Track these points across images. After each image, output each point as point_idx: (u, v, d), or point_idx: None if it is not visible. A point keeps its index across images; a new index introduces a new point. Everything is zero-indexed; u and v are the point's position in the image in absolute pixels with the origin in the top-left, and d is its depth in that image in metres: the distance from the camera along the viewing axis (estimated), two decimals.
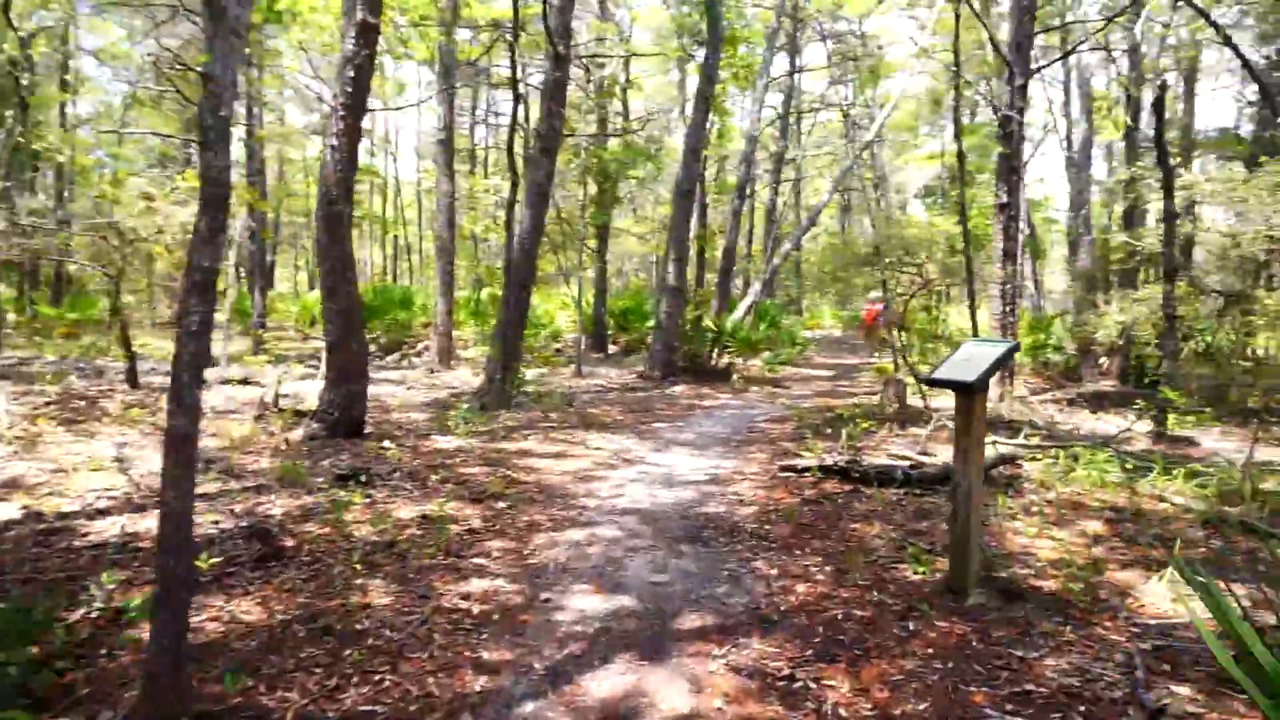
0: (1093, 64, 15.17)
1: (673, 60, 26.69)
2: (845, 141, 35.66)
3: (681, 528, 5.40)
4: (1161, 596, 4.09)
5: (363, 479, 6.28)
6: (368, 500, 5.73)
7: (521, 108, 18.23)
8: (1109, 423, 9.86)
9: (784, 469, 6.87)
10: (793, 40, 23.17)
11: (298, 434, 8.01)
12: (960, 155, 9.42)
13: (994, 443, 7.63)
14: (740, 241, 22.41)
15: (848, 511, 5.74)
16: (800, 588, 4.28)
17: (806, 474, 6.68)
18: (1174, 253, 8.04)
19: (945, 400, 10.78)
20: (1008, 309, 11.17)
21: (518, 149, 12.71)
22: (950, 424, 8.45)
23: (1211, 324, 11.36)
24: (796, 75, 23.39)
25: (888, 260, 9.94)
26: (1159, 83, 7.63)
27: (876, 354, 19.07)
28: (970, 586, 3.99)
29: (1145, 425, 9.46)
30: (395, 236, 45.21)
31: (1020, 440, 7.73)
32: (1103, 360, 14.15)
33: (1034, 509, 5.76)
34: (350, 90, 7.43)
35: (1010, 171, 11.13)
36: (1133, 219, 17.50)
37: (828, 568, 4.57)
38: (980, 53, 24.60)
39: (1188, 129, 20.99)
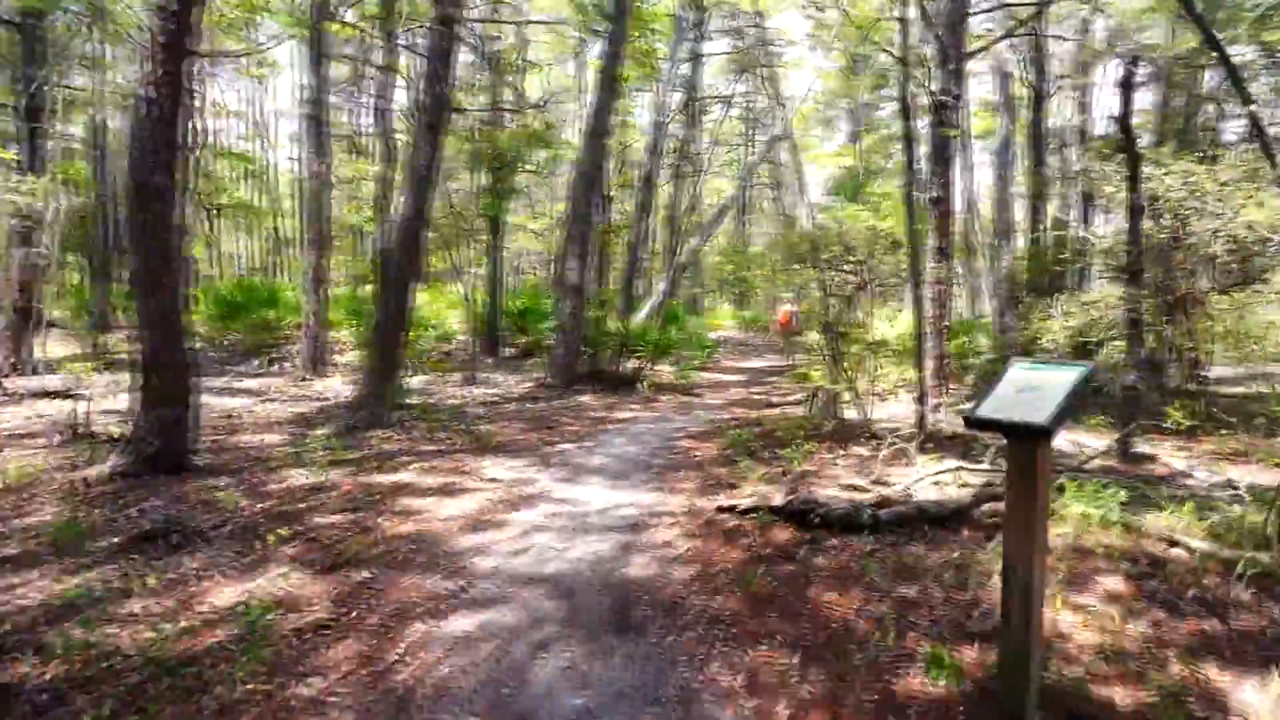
0: (1010, 59, 14.64)
1: (570, 53, 25.32)
2: (745, 140, 35.10)
3: (605, 605, 4.06)
4: (1271, 713, 3.02)
5: (174, 539, 4.68)
6: (174, 576, 4.15)
7: (411, 86, 16.51)
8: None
9: (722, 510, 5.61)
10: (698, 29, 22.12)
11: (106, 468, 6.26)
12: (908, 139, 8.43)
13: (959, 469, 6.62)
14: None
15: (813, 572, 4.52)
16: (783, 711, 3.02)
17: (750, 516, 5.45)
18: (1141, 250, 7.22)
19: (886, 410, 9.84)
20: (941, 312, 10.29)
21: (400, 124, 11.08)
22: (905, 445, 7.40)
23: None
24: (700, 64, 22.35)
25: (826, 257, 8.85)
26: (1128, 60, 6.79)
27: (790, 357, 18.21)
28: (1030, 713, 2.82)
29: (1096, 440, 8.70)
30: (274, 229, 42.13)
31: (987, 465, 6.73)
32: None
33: None
34: (171, 26, 5.76)
35: (945, 163, 10.26)
36: (1042, 218, 17.24)
37: (812, 671, 3.33)
38: (889, 48, 24.21)
39: (1084, 131, 21.04)
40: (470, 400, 11.44)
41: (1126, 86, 6.93)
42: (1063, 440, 8.74)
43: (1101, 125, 21.29)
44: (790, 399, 12.17)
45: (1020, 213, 20.90)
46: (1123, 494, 5.66)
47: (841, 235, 8.66)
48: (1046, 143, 17.39)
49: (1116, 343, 11.49)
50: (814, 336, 11.91)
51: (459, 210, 17.69)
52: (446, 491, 6.22)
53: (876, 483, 6.48)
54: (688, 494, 6.30)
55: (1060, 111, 21.70)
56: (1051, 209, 17.07)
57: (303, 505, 5.60)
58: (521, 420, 9.78)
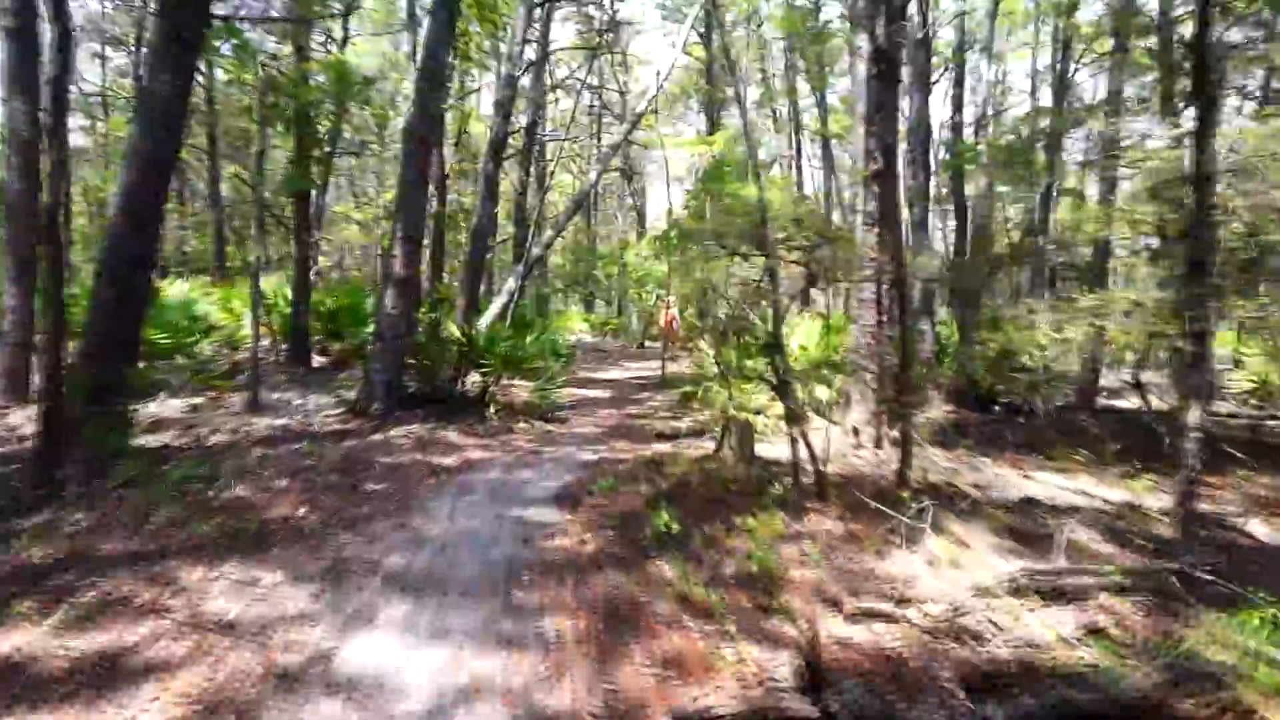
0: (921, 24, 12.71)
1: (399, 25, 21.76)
2: (595, 127, 32.63)
3: None
4: None
5: None
6: None
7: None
8: (1041, 480, 6.90)
9: None
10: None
11: None
12: (877, 79, 5.94)
13: (1032, 575, 4.14)
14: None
15: None
16: None
17: None
18: (1210, 235, 5.07)
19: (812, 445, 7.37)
20: (885, 318, 8.00)
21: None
22: (913, 523, 4.83)
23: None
24: (550, 24, 19.50)
25: (780, 237, 6.25)
26: None
27: (665, 366, 15.69)
28: None
29: (1101, 487, 6.59)
30: None
31: (1063, 563, 4.27)
32: (941, 381, 11.69)
33: None
34: None
35: (888, 125, 7.97)
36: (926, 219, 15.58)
37: None
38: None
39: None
40: (247, 437, 8.07)
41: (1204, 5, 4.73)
42: (1046, 483, 6.57)
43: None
44: (682, 427, 9.55)
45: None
46: None
47: (795, 212, 6.11)
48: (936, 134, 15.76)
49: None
50: (717, 348, 9.37)
51: (255, 187, 14.01)
52: (105, 674, 3.08)
53: (902, 601, 3.91)
54: (592, 647, 3.47)
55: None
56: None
57: None
58: (307, 478, 6.54)
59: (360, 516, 5.44)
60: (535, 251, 14.96)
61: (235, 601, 3.85)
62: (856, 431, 8.29)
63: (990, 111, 18.08)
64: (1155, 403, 8.44)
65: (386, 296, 9.41)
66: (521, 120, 19.78)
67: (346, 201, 33.75)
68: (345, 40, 17.96)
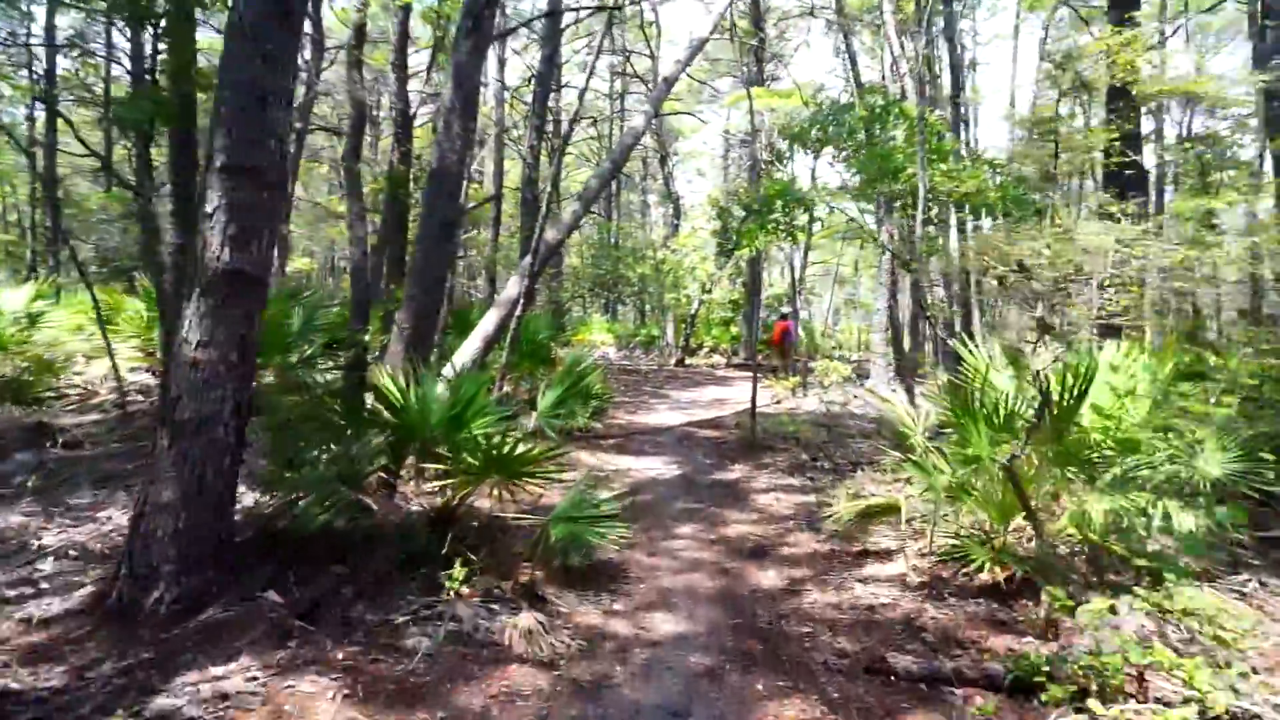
0: None
1: None
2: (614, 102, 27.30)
3: None
4: None
5: None
6: None
7: None
8: None
9: None
10: None
11: None
12: None
13: None
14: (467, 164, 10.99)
15: None
16: None
17: None
18: None
19: None
20: None
21: None
22: None
23: None
24: None
25: None
26: None
27: (770, 380, 10.13)
28: None
29: None
30: None
31: None
32: None
33: None
34: None
35: None
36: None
37: None
38: None
39: None
40: None
41: None
42: None
43: None
44: (915, 619, 3.93)
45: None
46: None
47: None
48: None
49: None
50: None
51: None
52: None
53: None
54: None
55: None
56: None
57: None
58: None
59: None
60: (551, 237, 9.39)
61: None
62: None
63: None
64: None
65: (187, 314, 3.81)
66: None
67: (334, 194, 28.39)
68: None
